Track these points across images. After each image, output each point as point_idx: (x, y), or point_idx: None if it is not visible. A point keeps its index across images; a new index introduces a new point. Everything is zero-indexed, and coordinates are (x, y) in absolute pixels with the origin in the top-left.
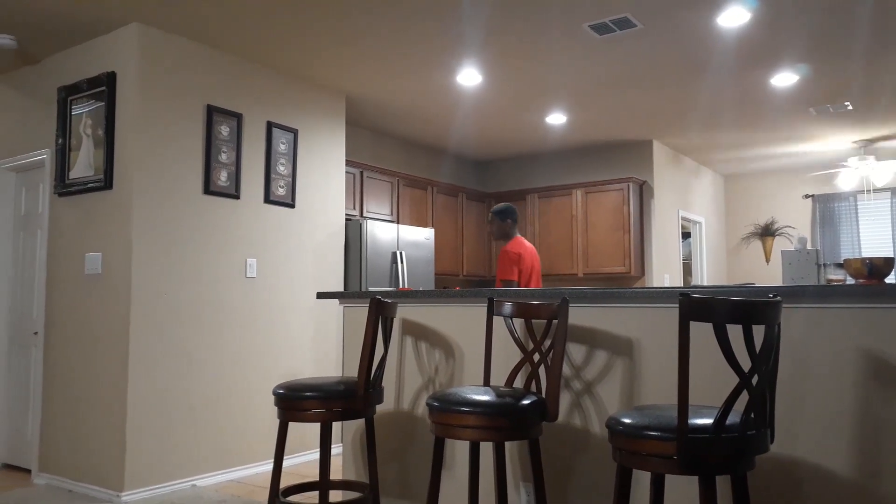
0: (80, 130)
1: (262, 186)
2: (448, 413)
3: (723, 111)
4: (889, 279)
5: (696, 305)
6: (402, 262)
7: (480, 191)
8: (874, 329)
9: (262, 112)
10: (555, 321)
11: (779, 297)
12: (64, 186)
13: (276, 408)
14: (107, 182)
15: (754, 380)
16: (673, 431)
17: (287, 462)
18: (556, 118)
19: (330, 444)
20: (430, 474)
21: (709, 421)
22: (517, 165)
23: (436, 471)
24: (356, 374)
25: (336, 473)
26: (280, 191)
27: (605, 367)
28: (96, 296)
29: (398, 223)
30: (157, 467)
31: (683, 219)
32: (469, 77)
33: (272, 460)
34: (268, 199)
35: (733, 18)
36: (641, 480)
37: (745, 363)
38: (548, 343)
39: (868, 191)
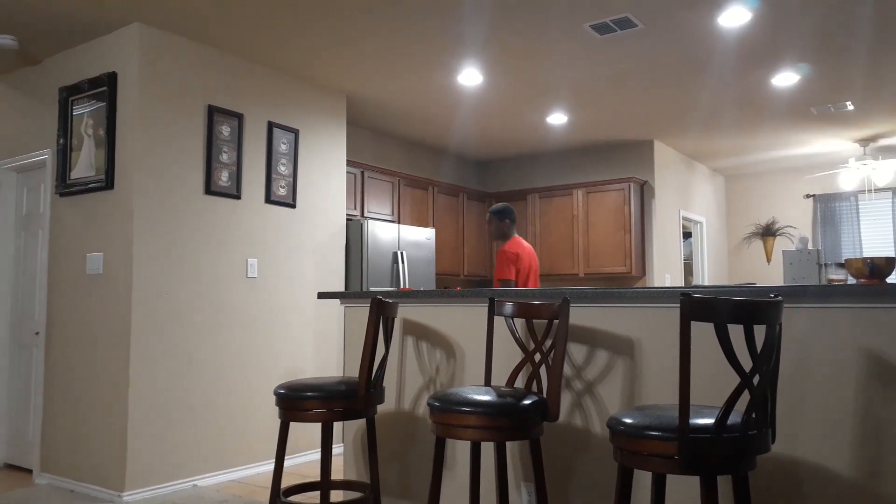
0: (82, 130)
1: (263, 186)
2: (449, 413)
3: (724, 111)
4: (890, 279)
5: (697, 305)
6: (402, 262)
7: (481, 191)
8: (875, 329)
9: (263, 112)
10: (556, 321)
11: (780, 297)
12: (65, 186)
13: (277, 408)
14: (108, 182)
15: (755, 380)
16: (674, 431)
17: (288, 462)
18: (557, 118)
19: (331, 444)
20: (431, 474)
21: (710, 421)
22: (518, 165)
23: (437, 471)
24: (357, 374)
25: (337, 473)
26: (281, 191)
27: (606, 367)
28: (97, 296)
29: (399, 223)
30: (158, 467)
31: (684, 219)
32: (470, 77)
33: (273, 460)
34: (269, 199)
35: (734, 18)
36: (642, 480)
37: (747, 363)
38: (549, 343)
39: (869, 190)
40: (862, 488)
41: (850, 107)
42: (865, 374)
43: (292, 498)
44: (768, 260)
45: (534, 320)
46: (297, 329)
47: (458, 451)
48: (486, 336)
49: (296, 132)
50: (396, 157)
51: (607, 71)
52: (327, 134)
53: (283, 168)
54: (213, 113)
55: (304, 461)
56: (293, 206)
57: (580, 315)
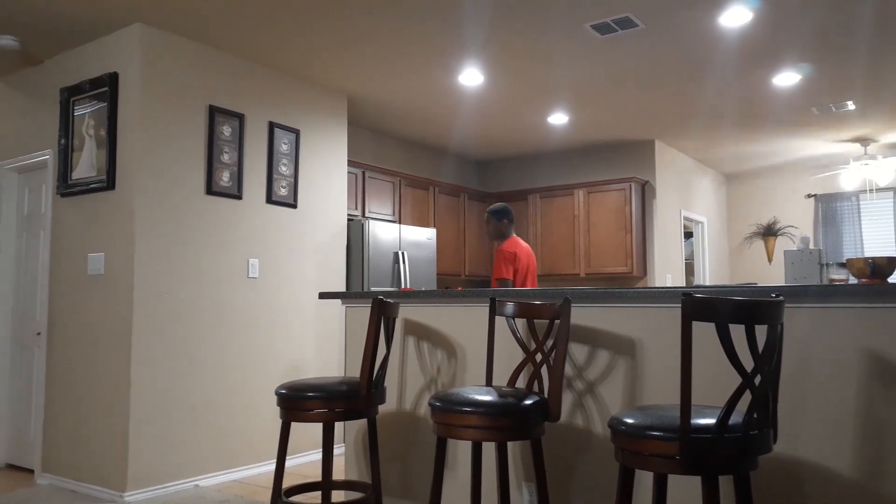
0: (83, 131)
1: (264, 187)
2: (450, 413)
3: (725, 111)
4: (892, 279)
5: (698, 305)
6: (404, 262)
7: (482, 191)
8: (877, 329)
9: (264, 112)
10: (557, 321)
11: (781, 297)
12: (66, 187)
13: (278, 408)
14: (109, 182)
15: (757, 380)
16: (675, 431)
17: (289, 462)
18: (558, 118)
19: (332, 445)
20: (432, 474)
21: (711, 421)
22: (519, 165)
23: (438, 471)
24: (358, 375)
25: (338, 474)
26: (282, 191)
27: (608, 367)
28: (99, 296)
29: (400, 223)
30: (160, 467)
31: (685, 219)
32: (471, 77)
33: (275, 460)
34: (270, 200)
35: (735, 18)
36: (644, 481)
37: (748, 363)
38: (550, 343)
39: (871, 190)
40: (863, 488)
41: (852, 106)
42: (867, 373)
43: (294, 498)
44: (769, 260)
45: (535, 320)
46: (298, 329)
47: (460, 451)
48: (488, 336)
49: (297, 132)
50: (397, 157)
51: (608, 71)
52: (328, 134)
53: (284, 168)
54: (215, 113)
55: (305, 461)
56: (294, 206)
57: (581, 315)
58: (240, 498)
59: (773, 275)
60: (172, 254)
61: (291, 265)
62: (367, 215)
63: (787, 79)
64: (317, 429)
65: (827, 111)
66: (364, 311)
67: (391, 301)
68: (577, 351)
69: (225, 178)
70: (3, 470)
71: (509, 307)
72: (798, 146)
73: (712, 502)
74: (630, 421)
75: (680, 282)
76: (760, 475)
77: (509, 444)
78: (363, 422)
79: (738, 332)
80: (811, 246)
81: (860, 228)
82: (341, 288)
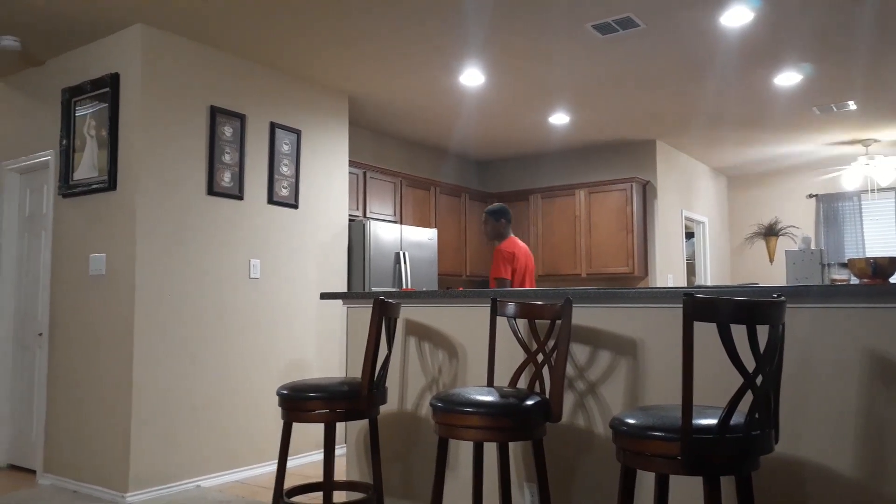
0: (84, 131)
1: (265, 187)
2: (452, 413)
3: (726, 111)
4: (893, 279)
5: (700, 305)
6: (405, 262)
7: (483, 191)
8: (878, 329)
9: (265, 113)
10: (558, 321)
11: (783, 297)
12: (68, 187)
13: (279, 408)
14: (111, 183)
15: (758, 380)
16: (677, 432)
17: (291, 463)
18: (559, 118)
19: (334, 445)
20: (433, 475)
21: (713, 421)
22: (520, 166)
23: (439, 471)
24: (360, 375)
25: (340, 474)
26: (283, 191)
27: (609, 367)
28: (100, 297)
29: (401, 224)
30: (162, 468)
31: (687, 219)
32: (472, 77)
33: (276, 461)
34: (271, 200)
35: (736, 18)
36: (645, 481)
37: (750, 363)
38: (551, 343)
39: (872, 190)
40: (865, 488)
41: (853, 106)
42: (868, 374)
43: (295, 499)
44: (771, 260)
45: (536, 321)
46: (299, 330)
47: (461, 451)
48: (489, 336)
49: (298, 133)
50: (398, 157)
51: (609, 71)
52: (329, 134)
53: (285, 169)
54: (216, 113)
55: (306, 462)
56: (296, 206)
57: (583, 315)
58: (241, 499)
59: (774, 275)
60: (174, 254)
61: (293, 266)
62: (368, 216)
63: (788, 79)
64: (318, 429)
65: (828, 111)
66: (365, 312)
67: (392, 301)
68: (579, 351)
69: (226, 178)
70: (5, 470)
71: (511, 307)
72: (799, 146)
73: (714, 503)
74: (631, 421)
75: (681, 282)
76: (762, 475)
77: (511, 444)
78: (364, 422)
79: (739, 332)
80: (812, 246)
81: (862, 228)
82: (342, 288)
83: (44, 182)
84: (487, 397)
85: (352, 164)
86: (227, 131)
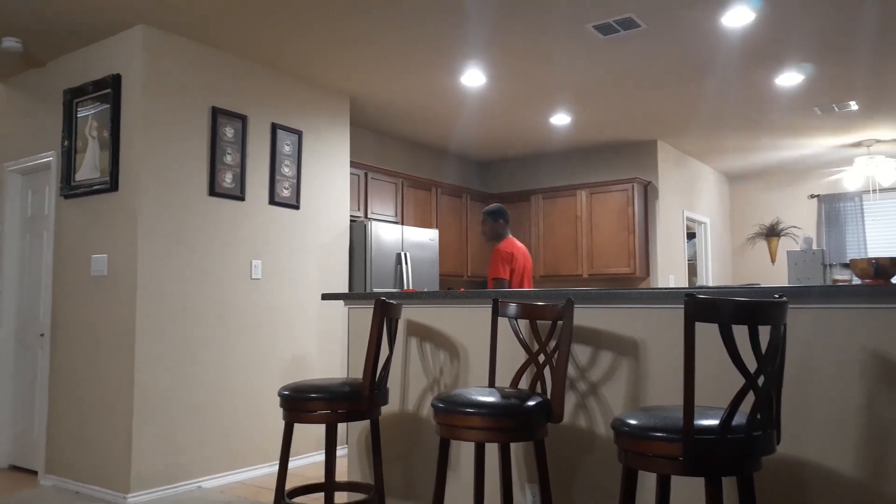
0: (86, 132)
1: (266, 188)
2: (453, 414)
3: (727, 111)
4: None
5: (701, 306)
6: (406, 263)
7: (484, 192)
8: (880, 329)
9: (267, 114)
10: (560, 322)
11: (784, 298)
12: (70, 188)
13: (281, 409)
14: (112, 184)
15: (760, 381)
16: (679, 432)
17: (292, 463)
18: (561, 119)
19: (335, 446)
20: (435, 475)
21: (715, 422)
22: (521, 166)
23: (441, 472)
24: (361, 376)
25: (341, 475)
26: (285, 192)
27: (611, 368)
28: (102, 297)
29: (402, 224)
30: (163, 469)
31: (688, 219)
32: (473, 78)
33: (277, 462)
34: (273, 201)
35: (738, 18)
36: (647, 482)
37: (751, 364)
38: (553, 344)
39: (874, 190)
40: (866, 489)
41: (855, 107)
42: (870, 374)
43: (296, 499)
44: (773, 260)
45: (537, 321)
46: (300, 330)
47: (463, 452)
48: (490, 337)
49: (299, 133)
50: (400, 158)
51: (610, 71)
52: (331, 135)
53: (286, 169)
54: (217, 114)
55: (308, 462)
56: (297, 207)
57: (584, 316)
58: (243, 499)
59: (776, 275)
60: (175, 255)
61: (294, 266)
62: (369, 216)
63: (789, 79)
64: (320, 430)
65: (830, 111)
66: (367, 313)
67: (394, 302)
68: (580, 352)
69: (228, 179)
70: (7, 471)
71: (512, 308)
72: (801, 146)
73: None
74: (633, 422)
75: (683, 283)
76: (764, 476)
77: (512, 445)
78: (366, 423)
79: (741, 332)
80: (814, 246)
81: (863, 229)
82: (344, 289)
83: (45, 183)
84: (489, 398)
85: (353, 164)
86: (229, 132)
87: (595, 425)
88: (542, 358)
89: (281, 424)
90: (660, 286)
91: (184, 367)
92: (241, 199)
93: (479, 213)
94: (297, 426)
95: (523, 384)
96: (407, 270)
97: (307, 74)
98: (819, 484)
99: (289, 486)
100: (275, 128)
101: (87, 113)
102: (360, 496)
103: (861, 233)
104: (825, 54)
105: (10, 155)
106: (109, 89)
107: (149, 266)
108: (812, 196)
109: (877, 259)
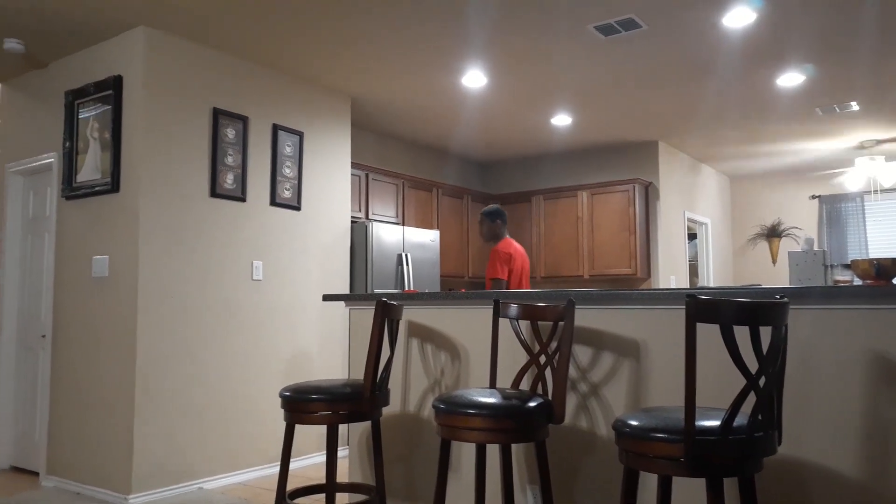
0: (88, 134)
1: (268, 189)
2: (454, 415)
3: (728, 112)
4: None
5: (702, 307)
6: (407, 264)
7: (485, 192)
8: (881, 330)
9: (268, 115)
10: (561, 323)
11: (786, 299)
12: (71, 189)
13: (282, 410)
14: (114, 185)
15: (761, 381)
16: (680, 433)
17: (293, 465)
18: (562, 119)
19: (336, 447)
20: (436, 477)
21: (716, 423)
22: (522, 167)
23: (442, 473)
24: (362, 377)
25: (342, 476)
26: (286, 193)
27: (612, 368)
28: (103, 298)
29: (403, 225)
30: (164, 470)
31: (689, 220)
32: (474, 79)
33: (279, 463)
34: (274, 202)
35: (739, 19)
36: (648, 482)
37: (753, 365)
38: (554, 345)
39: (875, 191)
40: (867, 489)
41: (856, 107)
42: (871, 375)
43: (298, 501)
44: (774, 261)
45: (539, 322)
46: (302, 331)
47: (464, 453)
48: (491, 338)
49: (300, 134)
50: (401, 159)
51: (611, 72)
52: (332, 136)
53: (288, 170)
54: (219, 116)
55: (309, 464)
56: (298, 208)
57: (585, 317)
58: (244, 500)
59: (777, 276)
60: (176, 256)
61: (295, 267)
62: (370, 217)
63: (790, 80)
64: (321, 431)
65: (831, 112)
66: (368, 314)
67: (395, 303)
68: (581, 353)
69: (229, 180)
70: (8, 472)
71: (513, 309)
72: (802, 147)
73: None
74: (634, 423)
75: (684, 283)
76: (765, 477)
77: (513, 446)
78: (367, 424)
79: (742, 333)
80: (815, 247)
81: (865, 229)
82: (345, 290)
83: (47, 184)
84: (490, 399)
85: (354, 165)
86: (230, 133)
87: (596, 426)
88: (543, 359)
89: (282, 425)
90: (661, 287)
91: (185, 368)
92: (243, 200)
93: (479, 214)
94: (298, 427)
95: (524, 385)
96: (408, 271)
97: (308, 75)
98: (820, 484)
99: (290, 487)
100: (276, 129)
101: (89, 114)
102: (361, 497)
103: (862, 233)
104: (826, 55)
105: (12, 156)
106: (111, 90)
107: (150, 267)
108: (813, 196)
109: (878, 260)
